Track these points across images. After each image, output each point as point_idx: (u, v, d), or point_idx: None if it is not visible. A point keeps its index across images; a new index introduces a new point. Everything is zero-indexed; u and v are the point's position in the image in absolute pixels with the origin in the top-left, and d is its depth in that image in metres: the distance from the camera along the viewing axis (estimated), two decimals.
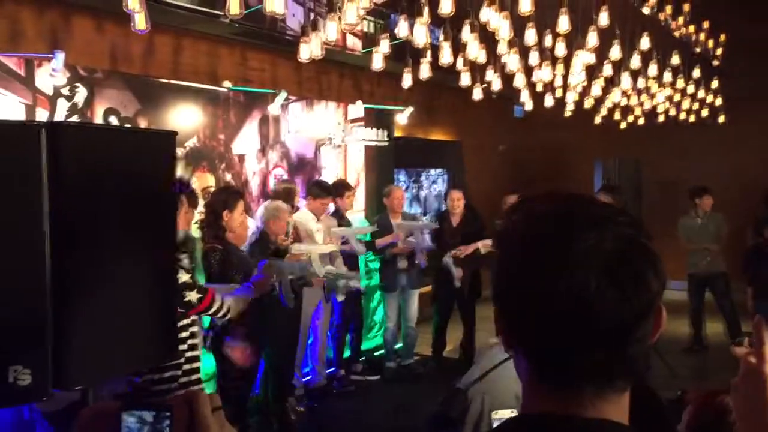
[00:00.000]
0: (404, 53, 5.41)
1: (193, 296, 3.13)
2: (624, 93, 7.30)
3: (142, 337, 2.42)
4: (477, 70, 5.85)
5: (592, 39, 4.96)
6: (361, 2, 3.58)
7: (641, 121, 8.90)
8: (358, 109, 7.45)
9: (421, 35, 4.01)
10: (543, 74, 5.71)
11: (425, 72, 4.94)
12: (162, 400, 1.30)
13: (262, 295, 3.66)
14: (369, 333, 7.44)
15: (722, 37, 7.74)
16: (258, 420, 5.39)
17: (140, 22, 3.35)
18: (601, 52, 5.82)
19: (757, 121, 9.30)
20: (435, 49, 5.23)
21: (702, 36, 7.20)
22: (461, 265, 6.52)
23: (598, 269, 0.81)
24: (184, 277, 3.09)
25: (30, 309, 2.15)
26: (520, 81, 6.02)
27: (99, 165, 2.27)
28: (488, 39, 5.05)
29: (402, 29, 4.14)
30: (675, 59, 6.80)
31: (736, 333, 6.79)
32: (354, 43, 6.90)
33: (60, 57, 4.36)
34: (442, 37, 4.72)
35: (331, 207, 6.67)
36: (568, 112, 8.05)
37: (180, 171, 4.94)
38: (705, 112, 8.68)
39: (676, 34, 6.60)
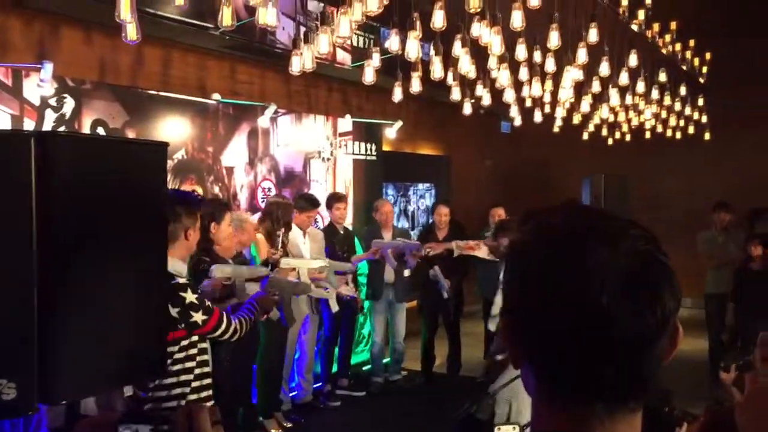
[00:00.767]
0: (394, 67, 5.42)
1: (198, 317, 3.02)
2: (612, 109, 7.36)
3: (130, 352, 2.37)
4: (467, 85, 5.87)
5: (582, 55, 5.00)
6: (353, 15, 3.58)
7: (628, 137, 8.97)
8: (347, 122, 7.45)
9: (413, 49, 4.01)
10: (533, 90, 5.73)
11: (416, 86, 4.95)
12: (162, 414, 1.27)
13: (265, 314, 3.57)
14: (356, 347, 7.40)
15: (708, 55, 7.83)
16: None
17: (131, 32, 3.33)
18: (590, 69, 5.87)
19: (742, 139, 9.40)
20: (424, 64, 5.25)
21: (688, 54, 7.28)
22: (449, 277, 6.50)
23: (613, 286, 0.78)
24: (189, 297, 3.01)
25: (16, 321, 2.10)
26: (509, 96, 6.05)
27: (89, 176, 2.24)
28: (478, 54, 5.07)
29: (393, 43, 4.14)
30: (662, 76, 6.86)
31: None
32: (343, 57, 6.91)
33: (48, 67, 4.33)
34: (433, 52, 4.73)
35: (320, 220, 6.67)
36: (556, 128, 8.10)
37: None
38: (691, 129, 8.77)
39: (664, 51, 6.67)
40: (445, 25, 3.93)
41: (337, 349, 6.71)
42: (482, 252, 4.98)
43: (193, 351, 3.07)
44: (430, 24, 4.15)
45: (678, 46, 6.97)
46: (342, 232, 6.56)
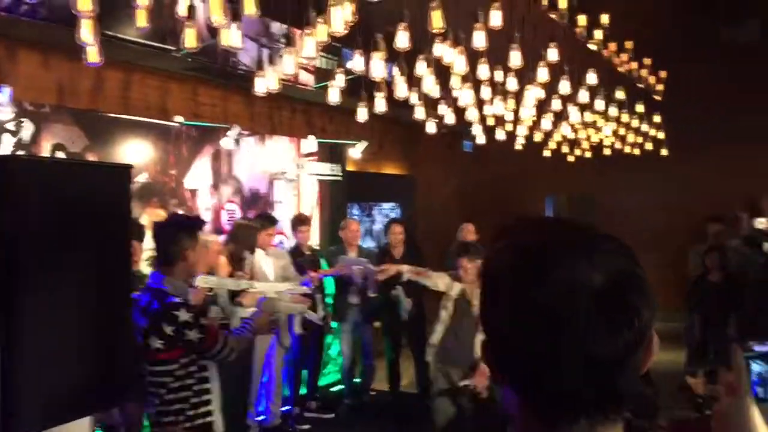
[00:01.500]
0: (357, 88, 5.45)
1: (193, 335, 3.09)
2: (572, 127, 7.48)
3: (97, 378, 2.32)
4: (430, 105, 5.92)
5: (543, 74, 5.08)
6: (318, 36, 3.59)
7: (588, 154, 9.13)
8: (311, 143, 7.45)
9: (378, 69, 4.04)
10: (495, 108, 5.80)
11: (381, 106, 4.98)
12: None
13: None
14: (324, 369, 7.33)
15: (663, 73, 8.02)
16: None
17: (92, 55, 3.28)
18: (550, 87, 5.97)
19: (698, 155, 9.62)
20: (388, 84, 5.28)
21: (644, 72, 7.46)
22: (411, 296, 6.49)
23: (588, 301, 0.78)
24: (183, 316, 3.07)
25: None
26: (472, 115, 6.11)
27: (52, 199, 2.20)
28: (441, 73, 5.12)
29: (358, 64, 4.16)
30: (620, 94, 7.01)
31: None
32: (306, 79, 6.92)
33: (6, 91, 4.26)
34: (397, 72, 4.76)
35: (285, 240, 6.63)
36: (519, 146, 8.20)
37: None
38: (649, 146, 8.95)
39: (621, 70, 6.83)
40: (410, 45, 3.96)
41: (305, 372, 6.65)
42: (430, 281, 4.99)
43: (193, 368, 3.16)
44: (392, 45, 4.19)
45: (634, 65, 7.14)
46: (308, 252, 6.53)
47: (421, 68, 4.60)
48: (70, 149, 4.97)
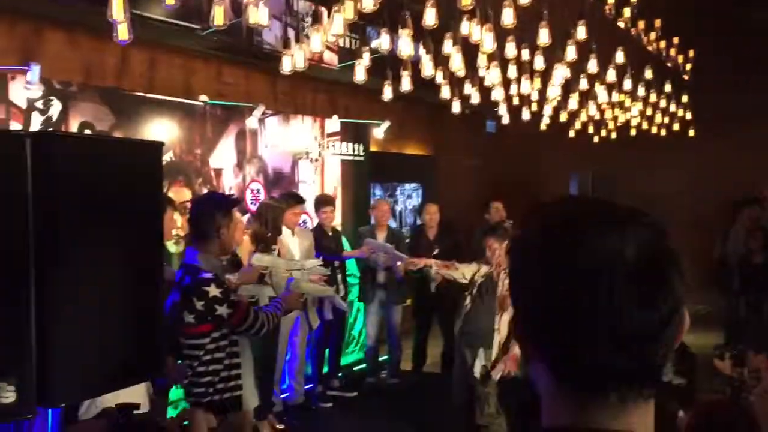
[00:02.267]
0: (380, 68, 5.41)
1: (222, 310, 3.16)
2: (598, 107, 7.39)
3: (129, 352, 2.35)
4: (455, 84, 5.87)
5: (571, 52, 5.01)
6: (346, 14, 3.56)
7: (614, 135, 9.03)
8: (334, 123, 7.44)
9: (406, 47, 4.00)
10: (522, 87, 5.75)
11: (406, 85, 4.95)
12: (155, 422, 1.26)
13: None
14: (347, 348, 7.38)
15: (691, 52, 7.89)
16: None
17: (123, 32, 3.29)
18: (577, 66, 5.89)
19: (725, 135, 9.49)
20: (413, 64, 5.24)
21: (672, 51, 7.34)
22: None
23: (622, 274, 0.77)
24: (213, 291, 3.14)
25: (13, 324, 2.07)
26: (498, 94, 6.06)
27: (85, 176, 2.21)
28: (466, 53, 5.07)
29: (384, 42, 4.13)
30: (648, 74, 6.91)
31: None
32: (330, 58, 6.89)
33: (36, 69, 4.28)
34: (423, 51, 4.72)
35: (308, 221, 6.65)
36: (543, 126, 8.13)
37: None
38: (676, 126, 8.84)
39: (649, 48, 6.72)
40: (437, 23, 3.93)
41: (327, 350, 6.69)
42: (458, 273, 4.96)
43: (224, 343, 3.25)
44: (418, 23, 4.15)
45: (663, 44, 7.03)
46: (330, 233, 6.54)
47: (448, 47, 4.55)
48: (98, 127, 4.99)
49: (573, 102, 6.86)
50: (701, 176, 9.75)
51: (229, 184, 6.14)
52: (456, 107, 6.19)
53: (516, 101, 6.83)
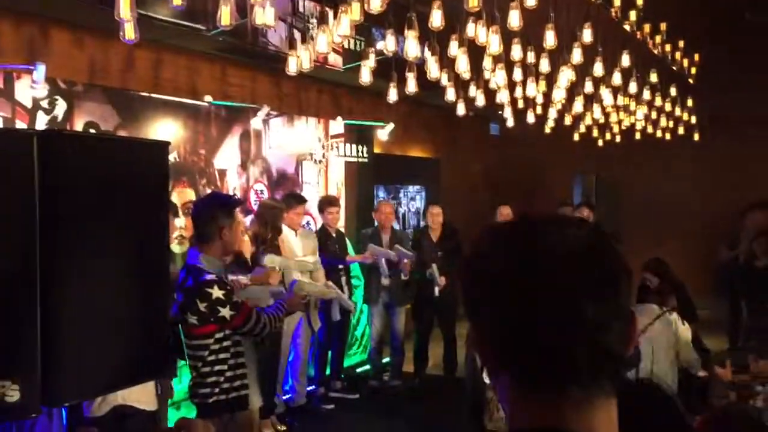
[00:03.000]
0: (384, 70, 5.41)
1: (225, 312, 3.18)
2: (603, 110, 7.38)
3: (135, 352, 2.34)
4: (460, 86, 5.87)
5: (577, 55, 5.01)
6: (353, 15, 3.56)
7: (618, 138, 9.01)
8: (338, 125, 7.44)
9: (412, 48, 4.00)
10: (527, 90, 5.74)
11: (412, 86, 4.94)
12: (151, 429, 1.25)
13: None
14: (349, 350, 7.37)
15: (697, 56, 7.88)
16: None
17: (129, 31, 3.29)
18: (582, 69, 5.88)
19: (730, 140, 9.48)
20: (417, 66, 5.24)
21: (678, 55, 7.32)
22: (444, 274, 6.51)
23: (570, 267, 0.81)
24: (216, 293, 3.15)
25: (19, 323, 2.07)
26: (504, 97, 6.05)
27: (92, 175, 2.21)
28: (471, 55, 5.06)
29: (389, 44, 4.13)
30: (653, 77, 6.90)
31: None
32: (335, 60, 6.89)
33: (41, 69, 4.29)
34: (428, 53, 4.72)
35: (312, 222, 6.65)
36: (548, 129, 8.11)
37: None
38: (681, 130, 8.82)
39: (655, 52, 6.71)
40: (443, 24, 3.92)
41: (330, 352, 6.68)
42: None
43: (228, 343, 3.26)
44: (423, 25, 4.14)
45: (668, 47, 7.02)
46: (334, 235, 6.54)
47: (454, 48, 4.55)
48: (103, 127, 5.00)
49: (578, 105, 6.84)
50: (706, 180, 9.73)
51: (232, 185, 6.14)
52: (461, 110, 6.18)
53: (521, 104, 6.82)
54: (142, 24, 3.51)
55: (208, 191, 5.82)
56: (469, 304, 0.89)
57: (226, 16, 3.22)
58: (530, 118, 7.28)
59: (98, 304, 2.22)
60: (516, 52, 4.71)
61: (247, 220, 5.77)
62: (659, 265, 5.32)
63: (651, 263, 5.34)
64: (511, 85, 5.96)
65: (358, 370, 7.48)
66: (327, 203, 6.56)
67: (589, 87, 6.38)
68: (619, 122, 8.39)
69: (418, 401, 6.54)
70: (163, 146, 2.54)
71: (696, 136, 8.97)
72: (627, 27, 5.86)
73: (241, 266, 4.93)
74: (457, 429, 5.20)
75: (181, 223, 5.47)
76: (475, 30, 4.24)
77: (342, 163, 7.61)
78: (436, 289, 6.53)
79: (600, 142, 9.06)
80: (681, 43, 7.31)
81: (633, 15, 5.92)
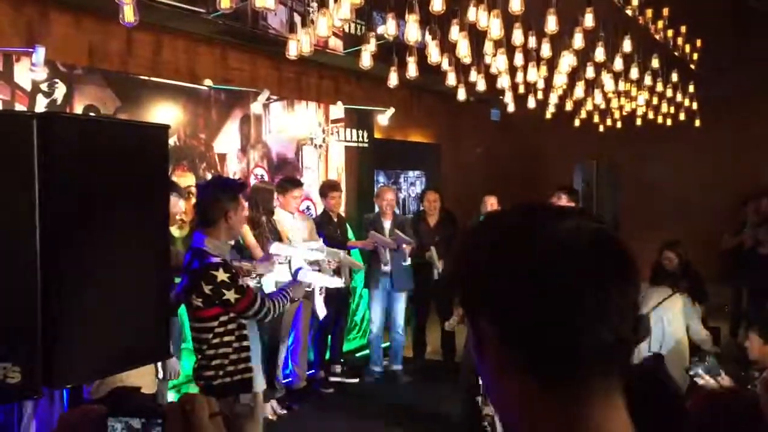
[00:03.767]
0: (385, 55, 5.38)
1: (230, 295, 3.20)
2: (604, 96, 7.35)
3: (134, 335, 2.35)
4: (461, 71, 5.85)
5: (578, 40, 4.98)
6: None
7: (619, 124, 8.98)
8: (338, 109, 7.42)
9: (413, 32, 3.98)
10: (528, 75, 5.72)
11: (412, 71, 4.92)
12: (155, 406, 1.25)
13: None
14: (349, 335, 7.40)
15: (698, 42, 7.84)
16: None
17: (129, 14, 3.28)
18: (583, 54, 5.86)
19: (732, 126, 9.45)
20: (418, 50, 5.21)
21: (680, 40, 7.29)
22: (442, 258, 6.53)
23: (583, 255, 0.80)
24: (221, 275, 3.17)
25: (19, 305, 2.07)
26: (505, 82, 6.03)
27: (91, 157, 2.21)
28: (472, 39, 5.04)
29: (390, 27, 4.11)
30: (655, 62, 6.87)
31: None
32: (336, 44, 6.86)
33: (41, 51, 4.27)
34: (429, 37, 4.70)
35: (312, 207, 6.65)
36: (549, 114, 8.09)
37: None
38: (682, 116, 8.79)
39: (656, 37, 6.67)
40: (444, 8, 3.90)
41: (330, 336, 6.71)
42: None
43: (233, 326, 3.28)
44: (424, 9, 4.12)
45: (670, 33, 6.98)
46: (336, 219, 6.54)
47: (455, 33, 4.53)
48: (103, 111, 4.98)
49: (579, 90, 6.82)
50: (707, 167, 9.71)
51: (233, 169, 6.13)
52: (461, 95, 6.16)
53: (521, 89, 6.79)
54: (141, 7, 3.50)
55: (209, 175, 5.82)
56: (474, 301, 0.86)
57: None
58: (531, 103, 7.26)
59: (99, 287, 2.23)
60: (517, 36, 4.69)
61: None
62: (679, 246, 5.46)
63: (672, 243, 5.50)
64: (512, 70, 5.94)
65: (358, 354, 7.50)
66: (329, 188, 6.56)
67: (590, 72, 6.36)
68: (620, 108, 8.36)
69: (417, 386, 6.57)
70: (163, 130, 2.54)
71: (697, 122, 8.94)
72: (629, 12, 5.83)
73: (240, 252, 4.94)
74: (456, 413, 5.22)
75: (182, 207, 5.47)
76: (477, 14, 4.22)
77: (342, 148, 7.60)
78: (435, 272, 6.55)
79: (601, 128, 9.04)
80: (683, 29, 7.27)
81: (635, 0, 5.88)
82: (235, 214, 3.32)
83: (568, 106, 7.78)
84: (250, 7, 4.24)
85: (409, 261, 6.54)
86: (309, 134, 7.09)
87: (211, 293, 3.17)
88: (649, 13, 6.30)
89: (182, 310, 3.71)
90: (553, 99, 7.54)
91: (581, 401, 0.80)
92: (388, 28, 4.17)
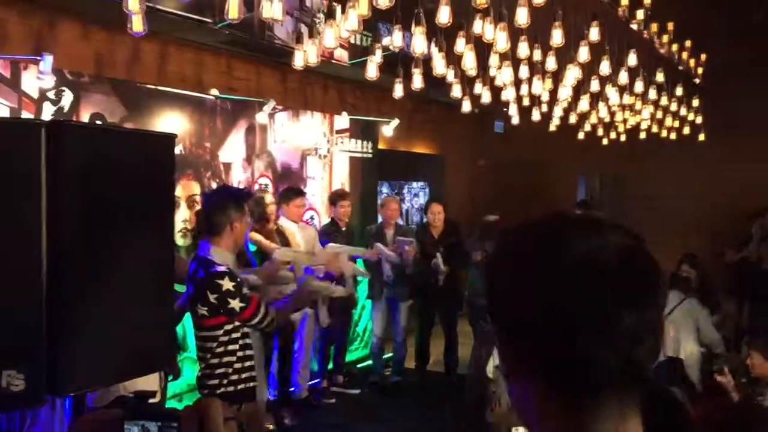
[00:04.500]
0: (390, 66, 5.40)
1: (235, 304, 3.20)
2: (609, 109, 7.36)
3: (139, 344, 2.35)
4: (466, 83, 5.86)
5: (584, 53, 5.00)
6: (360, 9, 3.56)
7: (623, 137, 8.99)
8: (343, 120, 7.44)
9: (419, 44, 4.00)
10: (533, 88, 5.74)
11: (418, 82, 4.94)
12: (170, 410, 1.25)
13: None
14: (351, 345, 7.38)
15: (703, 56, 7.86)
16: None
17: (137, 24, 3.29)
18: (587, 68, 5.87)
19: (736, 141, 9.44)
20: (423, 62, 5.23)
21: (684, 54, 7.31)
22: (449, 264, 6.53)
23: (608, 274, 0.79)
24: (227, 284, 3.18)
25: (25, 313, 2.07)
26: (510, 94, 6.04)
27: (98, 166, 2.21)
28: (478, 51, 5.06)
29: (396, 39, 4.12)
30: (660, 76, 6.88)
31: None
32: (341, 55, 6.89)
33: (48, 59, 4.29)
34: (435, 49, 4.71)
35: (316, 217, 6.65)
36: (553, 127, 8.10)
37: None
38: (686, 130, 8.79)
39: (661, 51, 6.69)
40: (451, 20, 3.92)
41: (332, 347, 6.70)
42: None
43: (236, 335, 3.29)
44: (431, 21, 4.14)
45: (675, 47, 7.00)
46: (344, 228, 6.55)
47: (461, 45, 4.54)
48: (109, 119, 5.00)
49: (584, 103, 6.83)
50: (710, 181, 9.69)
51: (237, 179, 6.14)
52: (466, 106, 6.18)
53: (526, 102, 6.81)
54: (149, 16, 3.52)
55: (213, 185, 5.83)
56: (498, 307, 0.87)
57: (233, 9, 3.22)
58: (535, 115, 7.27)
59: (104, 295, 2.23)
60: (523, 49, 4.70)
61: None
62: (696, 260, 5.89)
63: (689, 257, 5.92)
64: (517, 83, 5.95)
65: (360, 365, 7.49)
66: (339, 196, 6.58)
67: (595, 85, 6.37)
68: (625, 121, 8.37)
69: (419, 397, 6.55)
70: (169, 138, 2.55)
71: (701, 137, 8.94)
72: (634, 26, 5.85)
73: (241, 263, 4.93)
74: (457, 424, 5.21)
75: (185, 216, 5.48)
76: (483, 27, 4.24)
77: (347, 158, 7.61)
78: (441, 279, 6.54)
79: (605, 141, 9.04)
80: (688, 43, 7.29)
81: (640, 14, 5.90)
82: (240, 223, 3.33)
83: (573, 118, 7.79)
84: (257, 17, 4.26)
85: (408, 266, 6.52)
86: (314, 144, 7.11)
87: (216, 302, 3.18)
88: (654, 27, 6.33)
89: (186, 319, 3.71)
90: (558, 112, 7.55)
91: (598, 418, 0.80)
92: (394, 39, 4.18)
